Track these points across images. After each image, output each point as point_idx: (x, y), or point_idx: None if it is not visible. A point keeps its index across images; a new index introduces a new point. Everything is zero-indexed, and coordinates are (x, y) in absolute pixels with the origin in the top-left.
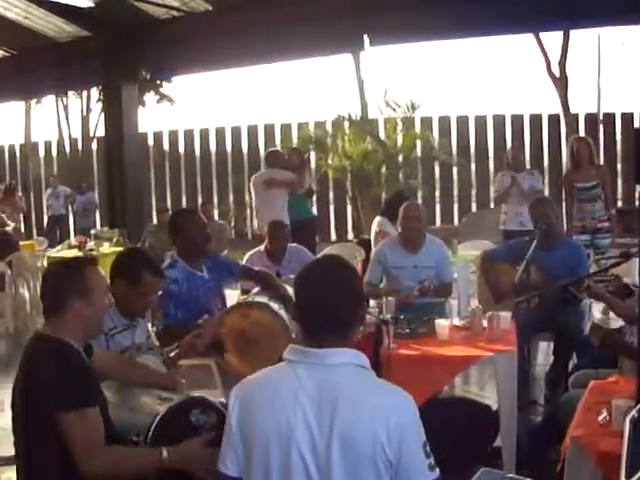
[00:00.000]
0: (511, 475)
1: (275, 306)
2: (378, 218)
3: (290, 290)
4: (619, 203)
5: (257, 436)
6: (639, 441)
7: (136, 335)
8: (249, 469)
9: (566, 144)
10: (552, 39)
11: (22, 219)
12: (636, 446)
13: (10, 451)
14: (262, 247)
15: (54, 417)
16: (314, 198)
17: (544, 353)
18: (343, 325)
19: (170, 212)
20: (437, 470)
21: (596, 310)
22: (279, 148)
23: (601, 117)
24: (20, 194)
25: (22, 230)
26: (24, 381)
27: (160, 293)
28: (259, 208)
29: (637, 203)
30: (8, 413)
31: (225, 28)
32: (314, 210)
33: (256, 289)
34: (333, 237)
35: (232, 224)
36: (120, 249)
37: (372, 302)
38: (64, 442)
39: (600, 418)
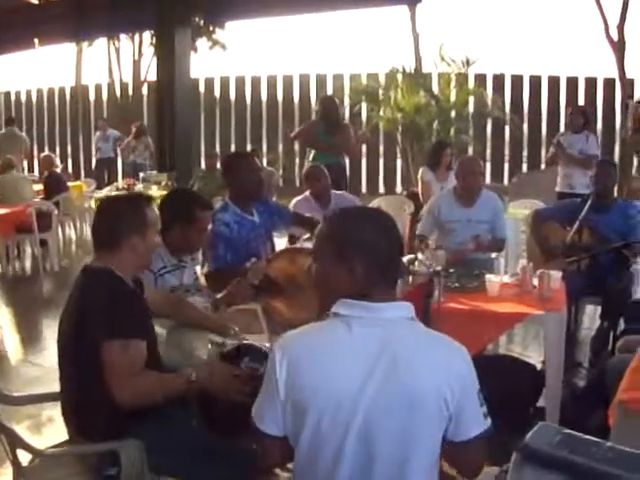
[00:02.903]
0: (569, 431)
1: None
2: (422, 167)
3: None
4: None
5: (310, 398)
6: None
7: (184, 276)
8: (299, 431)
9: (621, 109)
10: (611, 2)
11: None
12: None
13: (51, 388)
14: (307, 193)
15: (99, 347)
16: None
17: (590, 317)
18: (394, 276)
19: (219, 157)
20: (489, 419)
21: None
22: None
23: None
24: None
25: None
26: (73, 313)
27: (211, 235)
28: None
29: None
30: (51, 351)
31: None
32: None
33: (305, 235)
34: (381, 189)
35: (280, 172)
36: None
37: (420, 255)
38: (103, 370)
39: None
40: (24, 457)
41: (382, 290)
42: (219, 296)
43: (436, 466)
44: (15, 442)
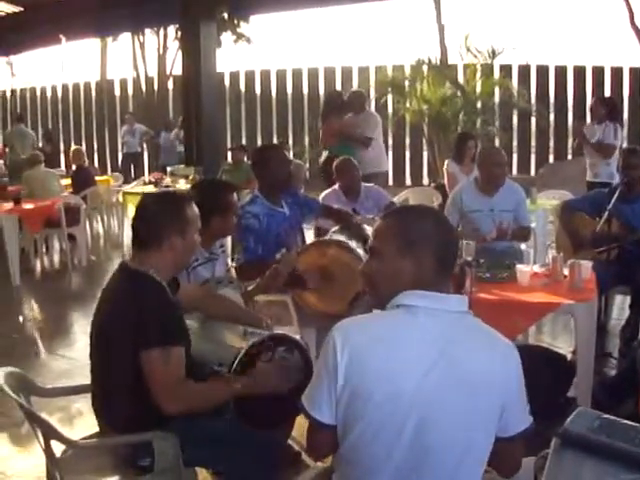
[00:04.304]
0: (607, 416)
1: (353, 244)
2: (447, 160)
3: (368, 229)
4: None
5: (371, 386)
6: None
7: (216, 268)
8: (355, 419)
9: None
10: None
11: None
12: None
13: (81, 381)
14: (336, 186)
15: (135, 352)
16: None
17: (619, 307)
18: (452, 270)
19: (245, 150)
20: (531, 417)
21: None
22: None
23: None
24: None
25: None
26: (106, 313)
27: (240, 228)
28: None
29: None
30: (79, 345)
31: None
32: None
33: (334, 228)
34: (408, 181)
35: (307, 164)
36: None
37: None
38: (144, 378)
39: None
40: (57, 448)
41: (444, 283)
42: (250, 288)
43: (484, 464)
44: (49, 433)
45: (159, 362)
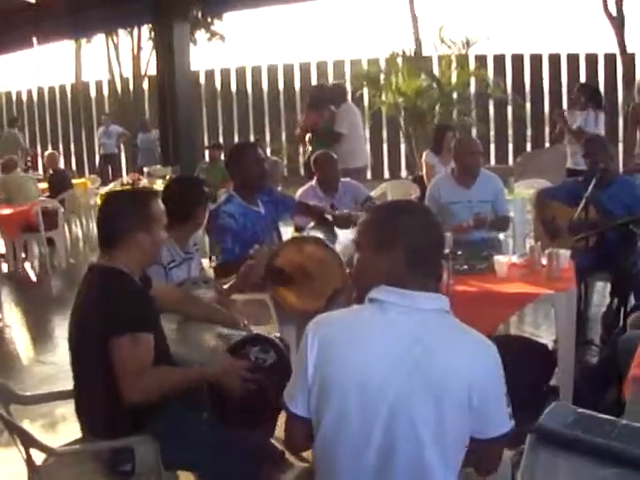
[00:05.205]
0: (583, 410)
1: (330, 241)
2: (425, 151)
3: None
4: None
5: (336, 377)
6: None
7: (192, 268)
8: (323, 412)
9: (622, 84)
10: None
11: None
12: None
13: (63, 386)
14: (313, 182)
15: (108, 343)
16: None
17: (599, 294)
18: (432, 268)
19: (222, 148)
20: (512, 420)
21: None
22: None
23: None
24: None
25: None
26: (81, 312)
27: (217, 228)
28: None
29: None
30: (61, 349)
31: None
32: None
33: (311, 224)
34: (386, 175)
35: (285, 161)
36: None
37: None
38: (113, 367)
39: None
40: (38, 456)
41: (419, 281)
42: (226, 286)
43: (459, 464)
44: (28, 442)
45: (127, 348)
